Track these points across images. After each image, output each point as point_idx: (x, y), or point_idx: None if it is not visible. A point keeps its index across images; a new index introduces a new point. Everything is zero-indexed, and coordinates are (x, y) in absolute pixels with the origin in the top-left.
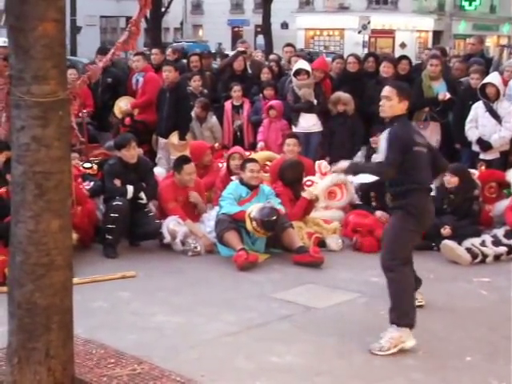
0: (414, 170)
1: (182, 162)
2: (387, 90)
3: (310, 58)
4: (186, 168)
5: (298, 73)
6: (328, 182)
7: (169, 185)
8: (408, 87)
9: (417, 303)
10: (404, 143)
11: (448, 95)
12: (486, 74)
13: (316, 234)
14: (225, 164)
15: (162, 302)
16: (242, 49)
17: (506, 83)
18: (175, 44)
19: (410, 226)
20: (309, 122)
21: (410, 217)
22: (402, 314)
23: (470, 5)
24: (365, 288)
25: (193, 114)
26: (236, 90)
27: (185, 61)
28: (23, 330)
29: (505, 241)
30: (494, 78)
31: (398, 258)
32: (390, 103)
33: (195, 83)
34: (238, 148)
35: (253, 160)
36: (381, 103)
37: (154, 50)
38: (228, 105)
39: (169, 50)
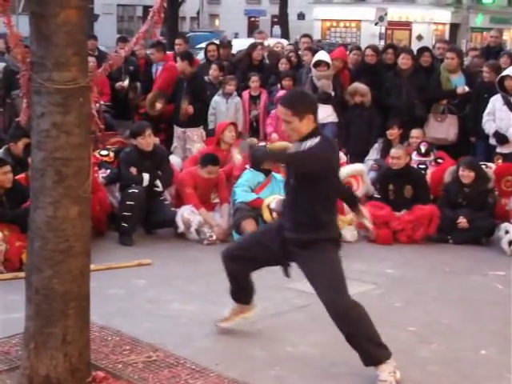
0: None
1: (209, 160)
2: (282, 112)
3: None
4: (210, 168)
5: (317, 64)
6: (344, 173)
7: (191, 171)
8: (305, 96)
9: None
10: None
11: (467, 89)
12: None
13: None
14: None
15: (178, 290)
16: (260, 41)
17: None
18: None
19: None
20: (324, 113)
21: (336, 247)
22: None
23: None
24: (379, 280)
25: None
26: (254, 81)
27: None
28: (40, 316)
29: None
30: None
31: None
32: (292, 126)
33: (214, 72)
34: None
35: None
36: (283, 128)
37: (178, 40)
38: (246, 95)
39: (179, 40)
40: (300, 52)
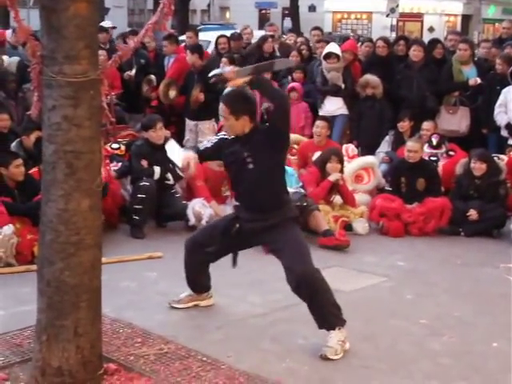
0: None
1: None
2: (221, 108)
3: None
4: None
5: (328, 56)
6: (355, 165)
7: (202, 165)
8: (244, 97)
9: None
10: None
11: (479, 80)
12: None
13: (342, 218)
14: None
15: None
16: (271, 33)
17: None
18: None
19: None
20: (334, 105)
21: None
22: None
23: None
24: (391, 272)
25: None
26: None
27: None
28: (52, 308)
29: None
30: None
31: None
32: (229, 123)
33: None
34: None
35: None
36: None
37: (188, 33)
38: None
39: (189, 33)
40: (311, 44)
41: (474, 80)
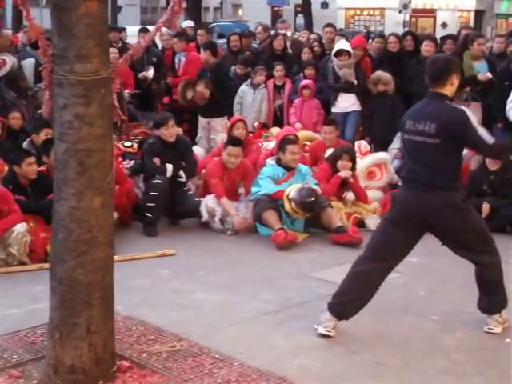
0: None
1: (229, 141)
2: None
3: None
4: (229, 149)
5: (339, 53)
6: (368, 162)
7: (217, 162)
8: None
9: None
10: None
11: (489, 75)
12: None
13: (355, 214)
14: (264, 143)
15: (202, 280)
16: (283, 31)
17: None
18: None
19: (387, 214)
20: (347, 102)
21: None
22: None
23: None
24: (403, 268)
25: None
26: (278, 70)
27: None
28: (65, 306)
29: None
30: None
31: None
32: None
33: (240, 71)
34: (290, 129)
35: (293, 141)
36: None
37: (200, 31)
38: (270, 84)
39: (201, 31)
40: (324, 41)
41: (484, 75)
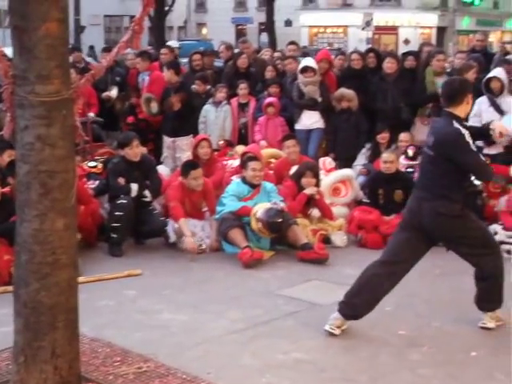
0: None
1: (189, 167)
2: None
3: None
4: (193, 173)
5: (304, 70)
6: (332, 178)
7: (176, 186)
8: None
9: None
10: None
11: None
12: (486, 69)
13: (321, 231)
14: (229, 162)
15: (168, 299)
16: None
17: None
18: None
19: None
20: (311, 119)
21: None
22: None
23: (473, 1)
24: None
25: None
26: (242, 88)
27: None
28: (29, 329)
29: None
30: (499, 72)
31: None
32: None
33: (199, 87)
34: (254, 147)
35: (255, 158)
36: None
37: (163, 50)
38: (234, 102)
39: (164, 50)
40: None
41: None
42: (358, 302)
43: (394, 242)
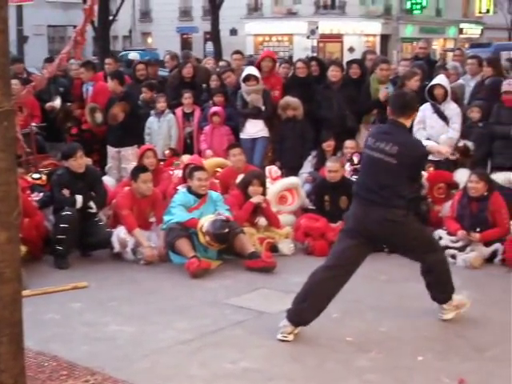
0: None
1: (138, 170)
2: None
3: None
4: (142, 176)
5: (247, 78)
6: (279, 186)
7: (126, 193)
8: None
9: None
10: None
11: (390, 91)
12: (430, 77)
13: (268, 239)
14: (175, 171)
15: (115, 311)
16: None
17: None
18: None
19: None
20: (255, 128)
21: None
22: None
23: (416, 8)
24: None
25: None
26: (187, 97)
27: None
28: None
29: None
30: (442, 79)
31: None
32: None
33: (146, 95)
34: (196, 158)
35: (200, 168)
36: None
37: (108, 60)
38: (179, 112)
39: (108, 60)
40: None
41: (383, 93)
42: (306, 308)
43: (337, 247)
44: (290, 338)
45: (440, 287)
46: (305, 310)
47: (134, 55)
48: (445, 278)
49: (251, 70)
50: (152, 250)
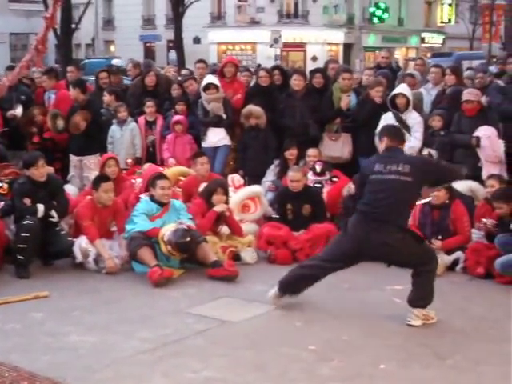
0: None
1: (100, 179)
2: None
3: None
4: (104, 185)
5: (207, 87)
6: (241, 195)
7: (87, 203)
8: None
9: None
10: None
11: (352, 100)
12: (392, 86)
13: (230, 248)
14: (138, 180)
15: (77, 321)
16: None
17: None
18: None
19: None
20: (217, 137)
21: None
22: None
23: (377, 18)
24: (280, 300)
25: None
26: (149, 106)
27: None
28: None
29: None
30: (404, 88)
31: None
32: None
33: (107, 98)
34: (153, 166)
35: (163, 177)
36: None
37: (70, 68)
38: (141, 120)
39: (70, 68)
40: (196, 76)
41: (345, 102)
42: (289, 282)
43: (336, 248)
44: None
45: (420, 292)
46: (290, 284)
47: (116, 61)
48: (428, 286)
49: (211, 79)
50: (113, 261)
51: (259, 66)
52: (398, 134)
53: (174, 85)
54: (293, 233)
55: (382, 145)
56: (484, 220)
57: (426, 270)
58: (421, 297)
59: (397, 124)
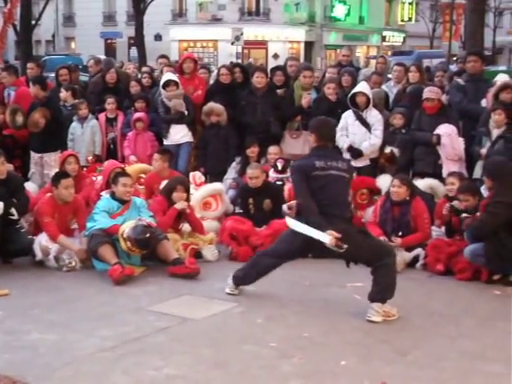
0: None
1: (59, 176)
2: None
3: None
4: (63, 182)
5: (166, 84)
6: (203, 192)
7: (47, 200)
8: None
9: None
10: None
11: (312, 96)
12: (355, 84)
13: (192, 245)
14: (98, 178)
15: (37, 319)
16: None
17: None
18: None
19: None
20: (179, 134)
21: None
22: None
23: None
24: (241, 298)
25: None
26: (110, 103)
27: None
28: None
29: None
30: (364, 87)
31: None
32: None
33: (63, 94)
34: (113, 162)
35: (125, 174)
36: None
37: (30, 64)
38: (102, 117)
39: (30, 64)
40: (156, 73)
41: (306, 100)
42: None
43: (287, 245)
44: (237, 292)
45: (378, 287)
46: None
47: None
48: (387, 280)
49: (170, 76)
50: (83, 250)
51: (231, 63)
52: (326, 132)
53: (132, 82)
54: (255, 228)
55: (311, 138)
56: (454, 202)
57: (382, 265)
58: (378, 291)
59: (356, 121)
